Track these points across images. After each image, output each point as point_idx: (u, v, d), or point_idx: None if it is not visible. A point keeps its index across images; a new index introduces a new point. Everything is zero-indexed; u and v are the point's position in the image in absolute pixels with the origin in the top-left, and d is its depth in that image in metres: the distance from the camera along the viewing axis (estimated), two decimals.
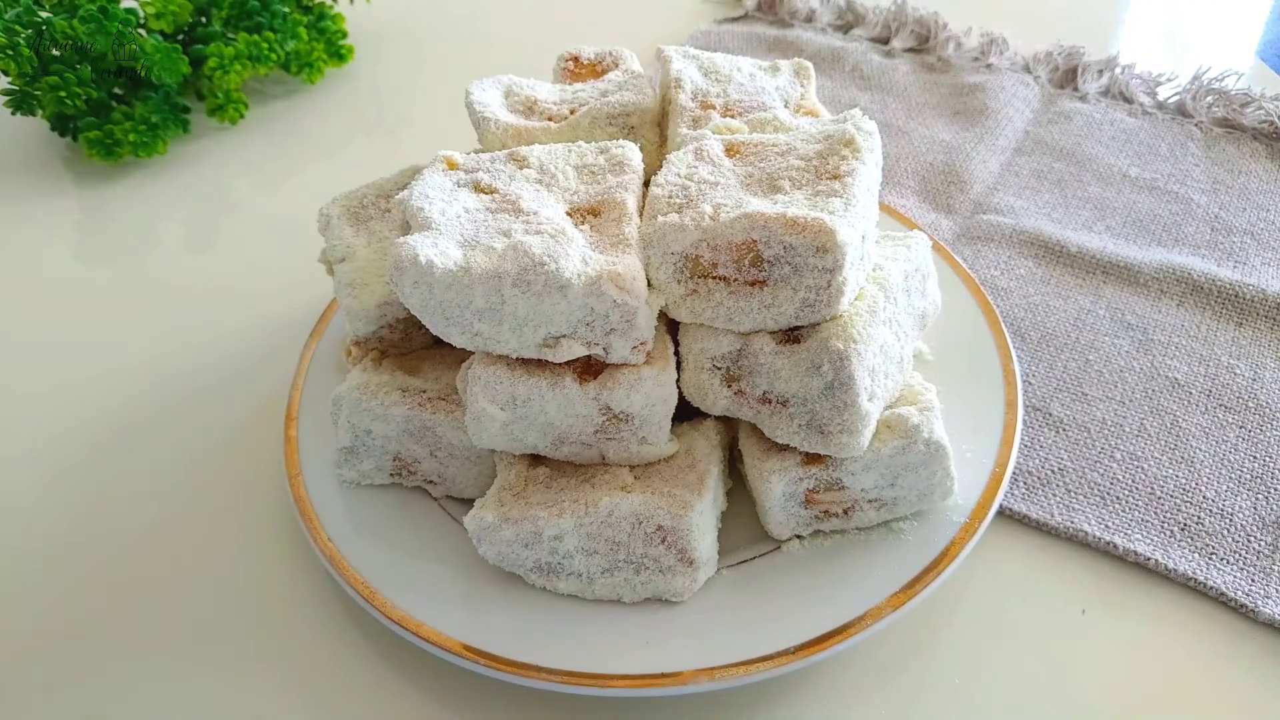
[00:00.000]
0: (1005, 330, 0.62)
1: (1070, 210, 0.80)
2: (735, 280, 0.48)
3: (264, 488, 0.62)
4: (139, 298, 0.79)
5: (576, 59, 0.66)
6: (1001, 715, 0.49)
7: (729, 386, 0.51)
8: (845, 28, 1.05)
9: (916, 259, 0.55)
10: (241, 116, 0.96)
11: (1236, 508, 0.57)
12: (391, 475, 0.57)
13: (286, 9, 0.98)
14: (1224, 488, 0.58)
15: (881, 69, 0.98)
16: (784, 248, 0.46)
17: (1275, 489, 0.58)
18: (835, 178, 0.49)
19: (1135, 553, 0.55)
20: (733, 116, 0.57)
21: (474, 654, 0.48)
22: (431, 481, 0.57)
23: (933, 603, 0.52)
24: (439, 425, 0.54)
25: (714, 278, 0.48)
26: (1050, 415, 0.63)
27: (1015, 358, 0.60)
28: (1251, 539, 0.55)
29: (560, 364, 0.49)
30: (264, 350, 0.72)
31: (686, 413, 0.53)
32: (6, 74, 0.87)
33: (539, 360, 0.49)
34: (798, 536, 0.53)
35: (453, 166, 0.53)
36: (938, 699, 0.50)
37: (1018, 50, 0.97)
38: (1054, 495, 0.58)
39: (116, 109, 0.90)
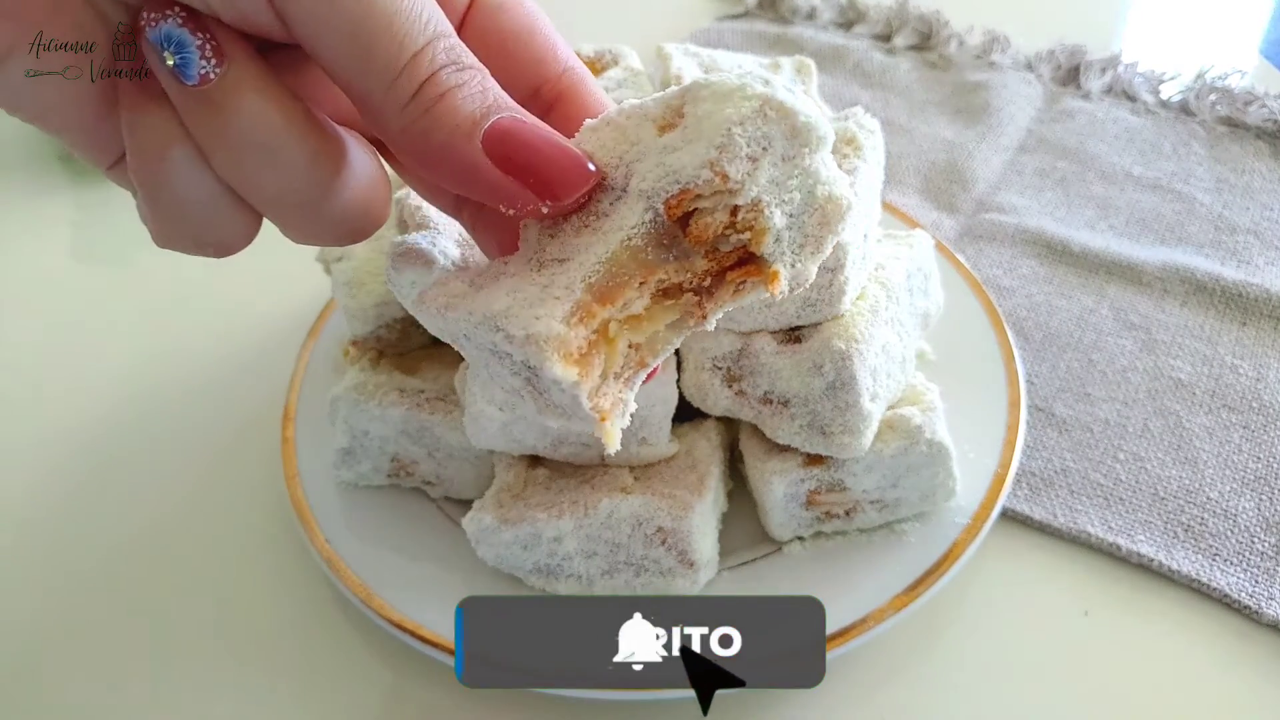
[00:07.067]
0: (1008, 330, 0.61)
1: (1073, 209, 0.79)
2: None
3: (261, 489, 0.61)
4: (135, 298, 0.78)
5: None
6: (1004, 717, 0.49)
7: (730, 386, 0.50)
8: (847, 25, 1.04)
9: (919, 258, 0.54)
10: None
11: (1240, 509, 0.57)
12: (389, 476, 0.56)
13: None
14: (1228, 489, 0.58)
15: (883, 67, 0.97)
16: None
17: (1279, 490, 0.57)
18: None
19: (1139, 554, 0.54)
20: None
21: None
22: (429, 483, 0.56)
23: (935, 605, 0.51)
24: (437, 426, 0.53)
25: None
26: (1053, 416, 0.62)
27: (1018, 358, 0.60)
28: (1256, 540, 0.55)
29: None
30: (261, 350, 0.71)
31: (687, 413, 0.52)
32: None
33: None
34: (799, 538, 0.53)
35: None
36: (940, 701, 0.50)
37: (1020, 48, 0.97)
38: (1057, 496, 0.58)
39: None
